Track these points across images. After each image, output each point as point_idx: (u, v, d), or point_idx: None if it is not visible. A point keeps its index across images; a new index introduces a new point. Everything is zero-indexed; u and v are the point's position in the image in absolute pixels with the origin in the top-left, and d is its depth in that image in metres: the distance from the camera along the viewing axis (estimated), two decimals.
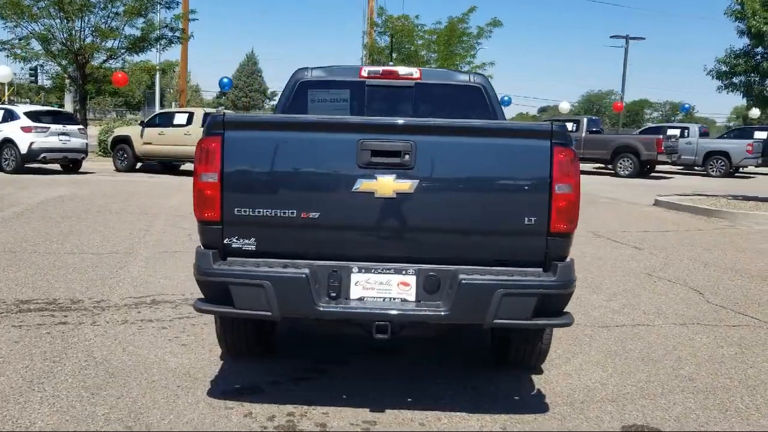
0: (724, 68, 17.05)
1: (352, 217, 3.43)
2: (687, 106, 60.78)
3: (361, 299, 3.44)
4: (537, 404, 3.96)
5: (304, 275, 3.34)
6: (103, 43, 24.34)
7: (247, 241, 3.47)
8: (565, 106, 42.49)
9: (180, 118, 19.82)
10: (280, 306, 3.34)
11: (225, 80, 31.27)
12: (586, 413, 3.84)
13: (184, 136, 19.35)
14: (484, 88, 5.20)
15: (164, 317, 5.39)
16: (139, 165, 20.94)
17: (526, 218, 3.38)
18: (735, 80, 17.15)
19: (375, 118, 3.68)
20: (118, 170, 20.62)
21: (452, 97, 5.25)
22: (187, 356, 4.52)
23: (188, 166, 21.44)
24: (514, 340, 4.21)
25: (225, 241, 3.48)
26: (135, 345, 4.69)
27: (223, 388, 3.99)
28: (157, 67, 25.13)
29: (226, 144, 3.42)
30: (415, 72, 5.19)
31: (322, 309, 3.35)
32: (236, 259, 3.47)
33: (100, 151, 25.27)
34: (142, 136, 20.23)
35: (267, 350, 4.48)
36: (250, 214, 3.43)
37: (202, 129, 15.75)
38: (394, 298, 3.45)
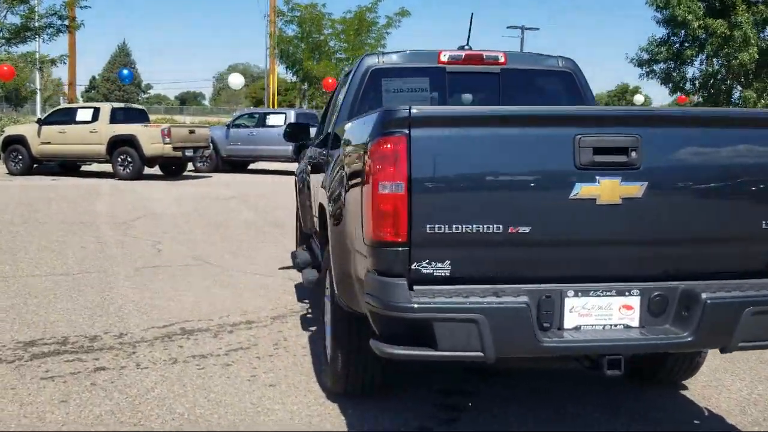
0: (645, 56, 17.53)
1: (568, 229, 2.82)
2: None
3: (577, 328, 2.85)
4: (716, 422, 3.52)
5: (524, 305, 2.70)
6: None
7: (439, 265, 2.78)
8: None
9: (84, 114, 18.07)
10: (495, 345, 2.68)
11: (125, 72, 28.93)
12: None
13: (89, 134, 17.69)
14: (574, 73, 4.70)
15: (214, 351, 4.53)
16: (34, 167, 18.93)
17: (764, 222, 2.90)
18: (655, 68, 17.70)
19: (595, 108, 3.09)
20: (11, 174, 18.53)
21: (541, 83, 4.72)
22: (289, 402, 3.73)
23: (96, 167, 19.76)
24: (672, 356, 3.75)
25: (412, 267, 2.76)
26: (214, 391, 3.84)
27: None
28: (51, 59, 22.83)
29: (414, 145, 2.72)
30: (500, 56, 4.61)
31: (546, 345, 2.73)
32: (426, 288, 2.77)
33: None
34: (39, 135, 18.28)
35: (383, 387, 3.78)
36: (446, 231, 2.74)
37: (110, 125, 14.60)
38: (616, 325, 2.88)
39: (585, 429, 3.50)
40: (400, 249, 2.75)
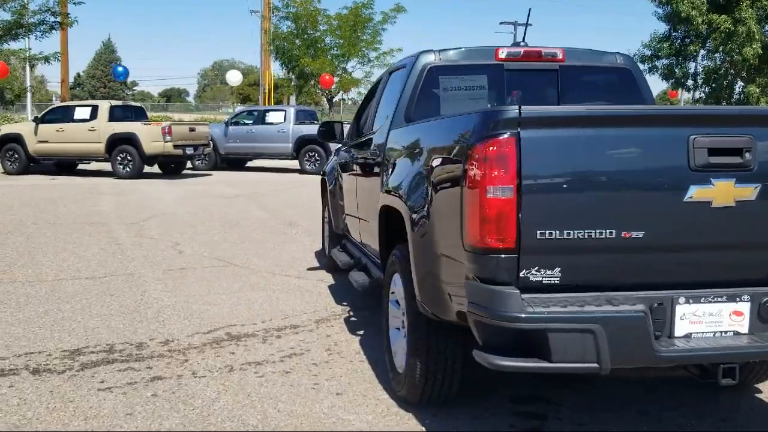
0: (648, 52, 17.51)
1: (681, 233, 2.71)
2: None
3: (687, 336, 2.75)
4: None
5: (642, 313, 2.60)
6: None
7: (548, 273, 2.66)
8: None
9: (82, 113, 17.77)
10: (612, 356, 2.57)
11: (120, 68, 28.44)
12: None
13: (88, 132, 17.43)
14: (632, 70, 4.60)
15: (268, 357, 4.39)
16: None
17: None
18: (657, 63, 17.69)
19: (709, 108, 2.97)
20: (8, 173, 18.26)
21: (599, 81, 4.62)
22: (362, 412, 3.60)
23: (92, 166, 19.50)
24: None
25: (521, 275, 2.65)
26: (281, 401, 3.71)
27: None
28: (44, 56, 22.37)
29: (524, 146, 2.60)
30: (558, 53, 4.50)
31: (662, 354, 2.62)
32: (537, 296, 2.66)
33: None
34: (36, 133, 18.00)
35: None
36: (556, 237, 2.62)
37: (109, 124, 14.35)
38: (726, 332, 2.78)
39: (675, 430, 3.41)
40: (508, 256, 2.63)
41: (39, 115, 18.85)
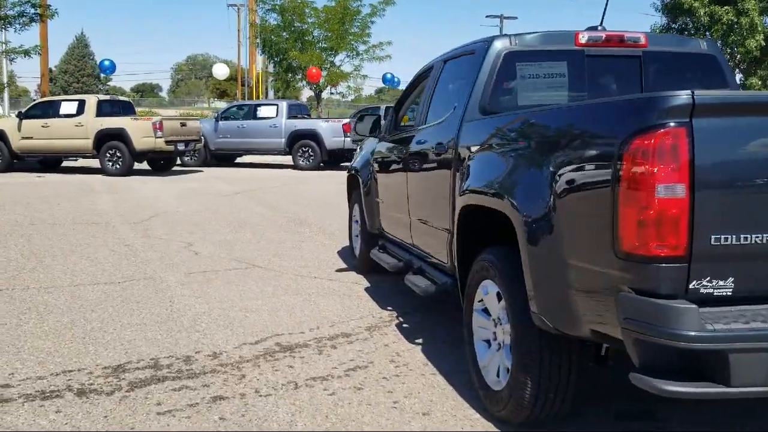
0: None
1: None
2: None
3: None
4: None
5: None
6: None
7: (721, 284, 2.32)
8: None
9: (68, 107, 17.17)
10: None
11: (107, 62, 27.58)
12: None
13: (75, 127, 16.83)
14: (718, 57, 4.29)
15: (330, 371, 4.01)
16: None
17: None
18: None
19: None
20: None
21: (683, 67, 4.30)
22: None
23: (80, 163, 18.88)
24: None
25: (691, 286, 2.30)
26: (366, 423, 3.33)
27: None
28: (24, 50, 21.52)
29: (697, 138, 2.25)
30: (641, 37, 4.17)
31: None
32: (711, 311, 2.31)
33: None
34: (19, 129, 17.33)
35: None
36: (732, 242, 2.28)
37: (96, 119, 13.78)
38: None
39: None
40: (677, 265, 2.28)
41: (22, 110, 18.16)
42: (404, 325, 4.98)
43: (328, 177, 17.06)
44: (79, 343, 4.45)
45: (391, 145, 5.61)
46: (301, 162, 19.02)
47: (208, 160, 19.99)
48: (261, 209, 11.22)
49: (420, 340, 4.63)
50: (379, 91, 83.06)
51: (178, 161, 19.30)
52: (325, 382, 3.86)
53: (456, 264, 3.89)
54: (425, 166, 4.60)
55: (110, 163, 16.67)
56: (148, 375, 3.92)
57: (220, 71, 30.78)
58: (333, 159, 19.47)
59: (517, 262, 3.09)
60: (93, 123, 16.73)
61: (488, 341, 3.52)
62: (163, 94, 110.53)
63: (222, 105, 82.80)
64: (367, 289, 6.04)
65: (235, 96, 64.38)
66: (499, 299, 3.33)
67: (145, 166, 18.08)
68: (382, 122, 5.98)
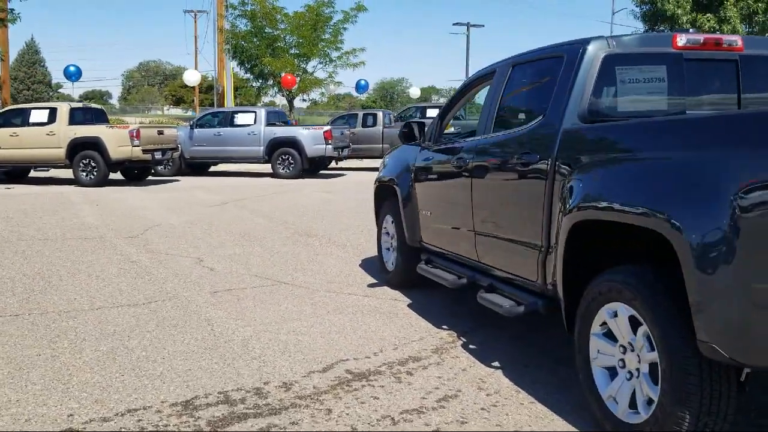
0: None
1: None
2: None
3: None
4: None
5: None
6: None
7: None
8: (415, 92, 43.09)
9: (38, 116, 16.40)
10: None
11: (72, 68, 26.52)
12: None
13: (46, 136, 16.09)
14: None
15: (423, 403, 3.68)
16: None
17: None
18: None
19: None
20: None
21: None
22: None
23: (50, 173, 18.13)
24: None
25: None
26: None
27: None
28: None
29: None
30: (737, 41, 3.96)
31: None
32: None
33: None
34: None
35: None
36: None
37: (69, 127, 13.26)
38: None
39: None
40: None
41: None
42: (470, 346, 4.68)
43: (313, 185, 16.67)
44: (131, 376, 4.03)
45: (442, 154, 5.31)
46: (281, 170, 18.54)
47: (182, 168, 19.36)
48: (259, 220, 10.79)
49: (497, 363, 4.33)
50: (340, 98, 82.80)
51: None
52: (423, 415, 3.53)
53: (560, 284, 3.59)
54: (503, 177, 4.32)
55: (84, 174, 15.97)
56: (225, 412, 3.53)
57: (192, 77, 30.07)
58: (313, 167, 19.06)
59: (667, 284, 2.81)
60: (66, 131, 16.02)
61: (611, 368, 3.24)
62: (113, 101, 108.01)
63: (178, 112, 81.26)
64: (410, 306, 5.72)
65: (191, 104, 63.21)
66: (634, 324, 3.05)
67: (118, 176, 17.40)
68: (415, 130, 5.71)
